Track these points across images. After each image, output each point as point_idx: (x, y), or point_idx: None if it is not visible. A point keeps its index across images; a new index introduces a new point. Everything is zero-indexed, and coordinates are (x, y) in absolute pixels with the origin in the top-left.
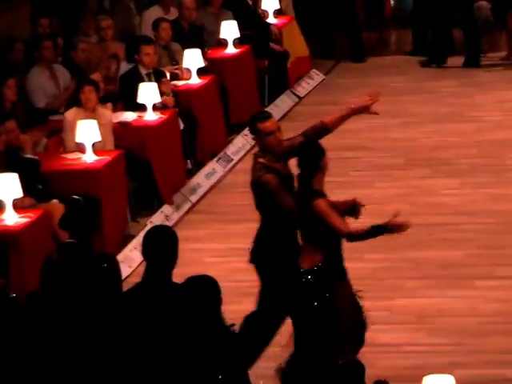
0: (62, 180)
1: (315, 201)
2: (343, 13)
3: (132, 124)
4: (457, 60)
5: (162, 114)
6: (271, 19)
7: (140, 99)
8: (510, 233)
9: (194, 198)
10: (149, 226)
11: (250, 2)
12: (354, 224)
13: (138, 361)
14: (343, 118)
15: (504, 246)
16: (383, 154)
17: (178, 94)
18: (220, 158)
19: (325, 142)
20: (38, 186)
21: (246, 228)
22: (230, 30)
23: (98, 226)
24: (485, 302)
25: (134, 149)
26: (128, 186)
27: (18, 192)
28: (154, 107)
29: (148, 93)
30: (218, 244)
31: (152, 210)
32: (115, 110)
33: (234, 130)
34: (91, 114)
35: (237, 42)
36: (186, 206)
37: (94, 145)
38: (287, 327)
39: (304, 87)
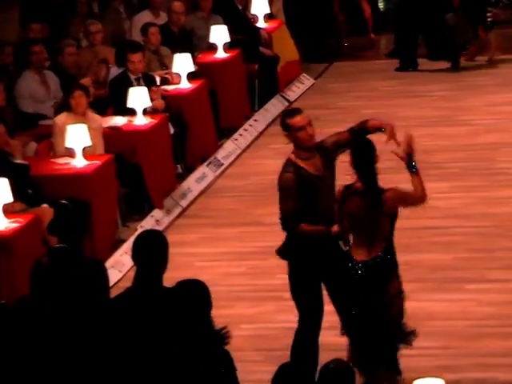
0: (52, 185)
1: (386, 194)
2: (325, 17)
3: (122, 128)
4: (444, 62)
5: (152, 118)
6: (261, 23)
7: (130, 104)
8: (501, 236)
9: (184, 203)
10: (139, 231)
11: (240, 7)
12: None
13: (129, 365)
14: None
15: (494, 249)
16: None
17: (167, 98)
18: (210, 163)
19: None
20: (28, 190)
21: (236, 232)
22: (219, 34)
23: (87, 230)
24: (475, 305)
25: (125, 153)
26: (118, 190)
27: (8, 197)
28: (144, 112)
29: (138, 97)
30: (208, 248)
31: (142, 215)
32: (105, 115)
33: (224, 135)
34: (81, 118)
35: (227, 47)
36: (177, 211)
37: (84, 149)
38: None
39: (294, 91)
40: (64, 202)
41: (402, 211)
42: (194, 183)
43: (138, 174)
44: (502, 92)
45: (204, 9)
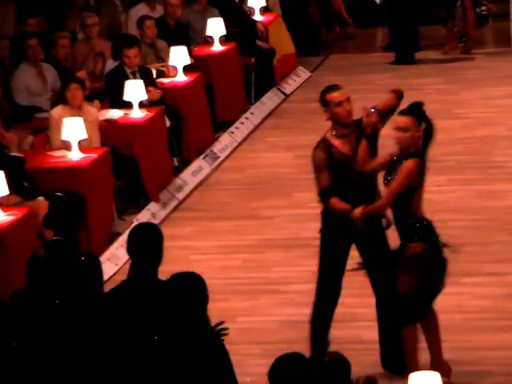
0: (47, 178)
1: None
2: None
3: (118, 121)
4: (439, 55)
5: (148, 111)
6: (257, 16)
7: (126, 97)
8: (497, 229)
9: (180, 196)
10: (135, 224)
11: (237, 0)
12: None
13: (124, 359)
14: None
15: (491, 242)
16: None
17: (163, 91)
18: (206, 156)
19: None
20: (23, 183)
21: (232, 225)
22: (216, 27)
23: (83, 223)
24: (471, 298)
25: (120, 146)
26: (114, 183)
27: (3, 190)
28: (141, 105)
29: (134, 90)
30: (204, 241)
31: (138, 208)
32: (102, 107)
33: (220, 128)
34: (77, 111)
35: (223, 40)
36: (173, 204)
37: (79, 142)
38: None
39: (290, 84)
40: (59, 194)
41: None
42: (189, 176)
43: (134, 167)
44: (496, 85)
45: (200, 2)
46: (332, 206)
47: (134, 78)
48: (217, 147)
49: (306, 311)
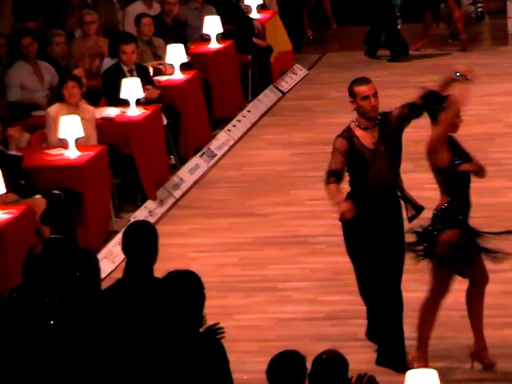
0: (45, 176)
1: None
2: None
3: (115, 119)
4: (436, 52)
5: (145, 109)
6: (254, 14)
7: (123, 95)
8: (493, 226)
9: (177, 194)
10: (130, 223)
11: None
12: None
13: (120, 356)
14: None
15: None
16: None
17: (160, 89)
18: (203, 153)
19: (308, 136)
20: (21, 181)
21: (229, 223)
22: (213, 25)
23: (80, 221)
24: None
25: (118, 144)
26: (111, 181)
27: (1, 188)
28: (137, 102)
29: (131, 88)
30: (201, 239)
31: (135, 206)
32: (98, 105)
33: (217, 125)
34: (74, 109)
35: (220, 37)
36: (170, 202)
37: (76, 140)
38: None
39: (287, 82)
40: (57, 192)
41: None
42: (187, 174)
43: (131, 165)
44: (494, 82)
45: None
46: (327, 190)
47: (131, 75)
48: (214, 145)
49: (303, 309)
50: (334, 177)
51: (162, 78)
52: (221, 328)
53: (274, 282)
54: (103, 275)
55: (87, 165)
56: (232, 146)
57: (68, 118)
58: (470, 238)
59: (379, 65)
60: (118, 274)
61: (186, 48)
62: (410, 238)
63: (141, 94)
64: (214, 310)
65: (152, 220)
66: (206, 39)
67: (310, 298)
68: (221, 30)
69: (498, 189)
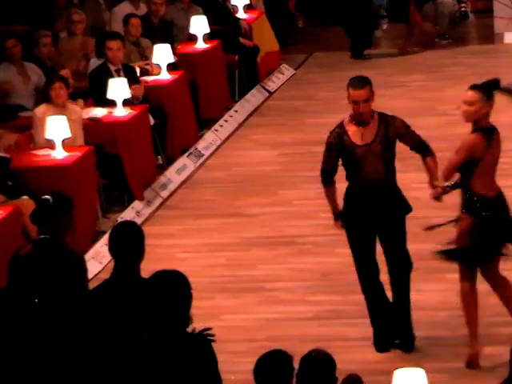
0: (32, 176)
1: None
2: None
3: (102, 120)
4: (423, 52)
5: (132, 109)
6: (241, 14)
7: (110, 95)
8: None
9: (164, 194)
10: (116, 223)
11: None
12: None
13: (108, 357)
14: None
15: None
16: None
17: (147, 89)
18: (191, 154)
19: (296, 136)
20: (8, 182)
21: (217, 223)
22: (199, 25)
23: (70, 226)
24: (456, 295)
25: (105, 145)
26: (98, 181)
27: None
28: (124, 103)
29: (118, 88)
30: (189, 240)
31: (123, 206)
32: (85, 106)
33: (204, 126)
34: (61, 110)
35: (207, 37)
36: (157, 202)
37: (63, 141)
38: None
39: (274, 82)
40: (47, 197)
41: None
42: (174, 174)
43: (118, 166)
44: (479, 82)
45: (184, 0)
46: (324, 192)
47: (118, 76)
48: (201, 145)
49: (291, 309)
50: (325, 178)
51: (149, 79)
52: (211, 335)
53: (261, 282)
54: (90, 276)
55: (74, 165)
56: (219, 146)
57: (55, 118)
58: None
59: (366, 64)
60: (106, 275)
61: (173, 48)
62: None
63: (128, 95)
64: (201, 310)
65: (139, 220)
66: (193, 39)
67: (297, 298)
68: (207, 30)
69: None
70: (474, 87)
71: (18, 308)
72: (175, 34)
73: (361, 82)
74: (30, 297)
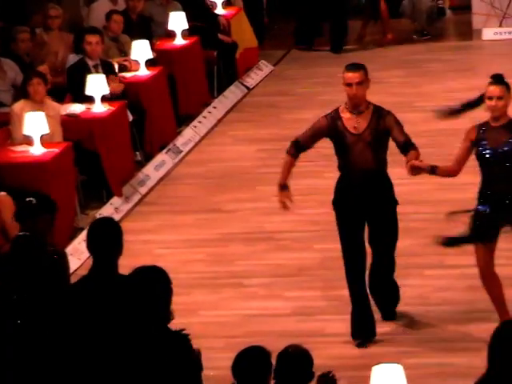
0: (10, 172)
1: None
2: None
3: (80, 116)
4: (401, 48)
5: (110, 105)
6: (219, 10)
7: (88, 91)
8: (458, 222)
9: (143, 190)
10: (93, 220)
11: None
12: None
13: (87, 353)
14: None
15: (452, 235)
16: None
17: (126, 85)
18: (169, 150)
19: (274, 132)
20: None
21: (195, 219)
22: (178, 21)
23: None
24: (434, 291)
25: (83, 141)
26: (77, 178)
27: None
28: (103, 99)
29: (96, 84)
30: (167, 235)
31: (101, 202)
32: (63, 102)
33: (183, 122)
34: (39, 106)
35: (185, 33)
36: (136, 198)
37: (42, 137)
38: None
39: (253, 78)
40: (30, 199)
41: None
42: (152, 170)
43: (97, 162)
44: (458, 78)
45: None
46: (283, 160)
47: (96, 71)
48: (179, 141)
49: (269, 305)
50: (294, 148)
51: (128, 75)
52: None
53: (239, 278)
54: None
55: (52, 161)
56: (198, 143)
57: (33, 114)
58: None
59: (344, 60)
60: (84, 272)
61: (152, 44)
62: None
63: (106, 91)
64: (179, 306)
65: (117, 216)
66: (172, 35)
67: (275, 293)
68: (186, 26)
69: (463, 184)
70: (497, 81)
71: None
72: (154, 30)
73: (355, 66)
74: (9, 294)
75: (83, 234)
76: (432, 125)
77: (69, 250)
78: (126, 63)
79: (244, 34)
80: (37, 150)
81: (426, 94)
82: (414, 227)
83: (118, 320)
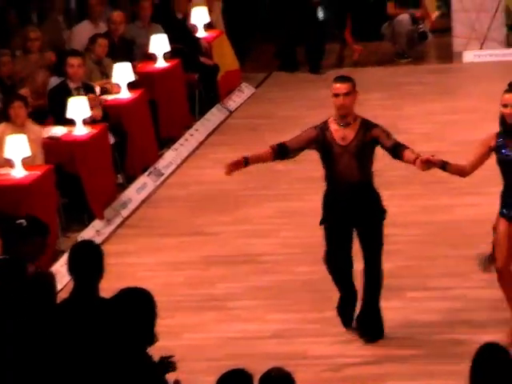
0: None
1: None
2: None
3: (61, 139)
4: (382, 71)
5: (91, 128)
6: (201, 33)
7: (69, 114)
8: (440, 244)
9: (125, 213)
10: (74, 243)
11: (180, 16)
12: None
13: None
14: None
15: (434, 256)
16: (314, 166)
17: (107, 108)
18: (151, 172)
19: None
20: None
21: (177, 242)
22: (159, 43)
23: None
24: (416, 312)
25: (64, 163)
26: (58, 200)
27: None
28: (84, 121)
29: (77, 107)
30: (149, 258)
31: (83, 225)
32: (45, 124)
33: (164, 144)
34: (20, 129)
35: (167, 56)
36: (118, 221)
37: (23, 160)
38: None
39: (234, 101)
40: (21, 221)
41: None
42: (134, 193)
43: (78, 184)
44: (438, 100)
45: (144, 18)
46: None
47: (78, 94)
48: (161, 164)
49: (251, 327)
50: (277, 146)
51: (109, 97)
52: (173, 362)
53: (221, 300)
54: None
55: (34, 184)
56: (179, 165)
57: (14, 137)
58: None
59: (325, 83)
60: (65, 294)
61: (133, 67)
62: None
63: (87, 114)
64: (162, 328)
65: (99, 239)
66: (153, 58)
67: (257, 316)
68: (168, 49)
69: (444, 206)
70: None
71: None
72: (135, 53)
73: (344, 78)
74: None
75: (65, 257)
76: (413, 147)
77: None
78: (107, 86)
79: (225, 57)
80: (18, 172)
81: (407, 117)
82: (396, 249)
83: (96, 344)
